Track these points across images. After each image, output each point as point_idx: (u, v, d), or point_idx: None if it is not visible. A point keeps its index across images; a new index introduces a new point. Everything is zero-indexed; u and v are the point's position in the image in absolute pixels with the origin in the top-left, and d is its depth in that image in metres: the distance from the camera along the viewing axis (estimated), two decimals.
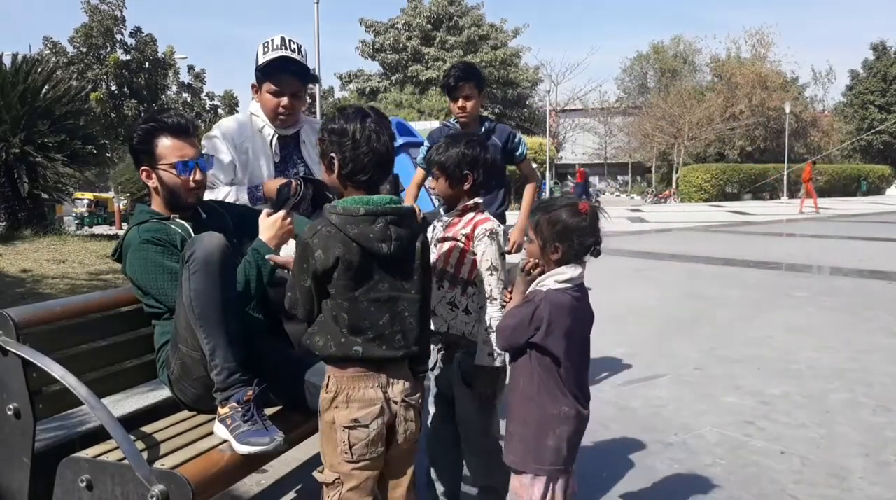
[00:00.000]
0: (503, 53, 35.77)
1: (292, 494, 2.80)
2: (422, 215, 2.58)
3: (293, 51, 2.71)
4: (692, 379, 4.32)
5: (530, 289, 1.89)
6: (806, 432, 3.41)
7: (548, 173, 29.26)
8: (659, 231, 16.64)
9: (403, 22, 36.45)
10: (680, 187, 36.69)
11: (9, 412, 1.92)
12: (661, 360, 4.77)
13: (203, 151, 2.43)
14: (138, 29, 22.97)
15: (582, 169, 31.12)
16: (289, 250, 2.63)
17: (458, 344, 2.23)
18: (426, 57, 35.65)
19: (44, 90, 11.05)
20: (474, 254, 2.19)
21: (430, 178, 2.87)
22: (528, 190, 3.65)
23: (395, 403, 1.77)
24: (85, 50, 22.20)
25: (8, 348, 1.89)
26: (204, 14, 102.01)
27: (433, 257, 2.36)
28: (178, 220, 2.28)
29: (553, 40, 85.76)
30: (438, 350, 2.31)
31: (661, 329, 5.75)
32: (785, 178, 35.44)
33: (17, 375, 1.90)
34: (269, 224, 2.24)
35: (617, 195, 49.77)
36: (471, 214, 2.23)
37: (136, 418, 2.25)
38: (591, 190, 28.98)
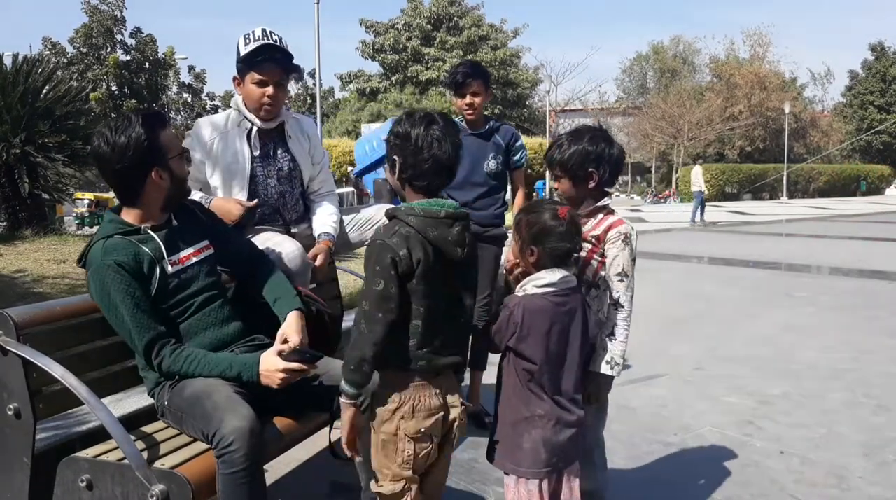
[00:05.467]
0: (503, 54, 35.73)
1: (292, 494, 2.80)
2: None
3: (275, 41, 2.73)
4: (692, 379, 4.32)
5: (514, 293, 1.90)
6: (806, 432, 3.41)
7: (548, 174, 29.23)
8: (659, 231, 16.63)
9: (403, 22, 36.42)
10: (680, 187, 36.69)
11: (9, 412, 1.92)
12: (662, 359, 4.77)
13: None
14: (138, 29, 22.98)
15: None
16: (293, 249, 2.62)
17: None
18: (426, 57, 35.62)
19: (44, 91, 11.02)
20: (601, 256, 2.11)
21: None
22: (519, 198, 3.52)
23: (454, 407, 1.79)
24: (85, 50, 22.21)
25: (8, 348, 1.89)
26: (204, 14, 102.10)
27: None
28: (149, 231, 2.09)
29: (553, 40, 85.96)
30: None
31: (662, 329, 5.75)
32: (784, 178, 35.44)
33: (18, 375, 1.90)
34: (271, 363, 1.99)
35: (616, 195, 49.74)
36: (601, 215, 2.14)
37: (136, 418, 2.25)
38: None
